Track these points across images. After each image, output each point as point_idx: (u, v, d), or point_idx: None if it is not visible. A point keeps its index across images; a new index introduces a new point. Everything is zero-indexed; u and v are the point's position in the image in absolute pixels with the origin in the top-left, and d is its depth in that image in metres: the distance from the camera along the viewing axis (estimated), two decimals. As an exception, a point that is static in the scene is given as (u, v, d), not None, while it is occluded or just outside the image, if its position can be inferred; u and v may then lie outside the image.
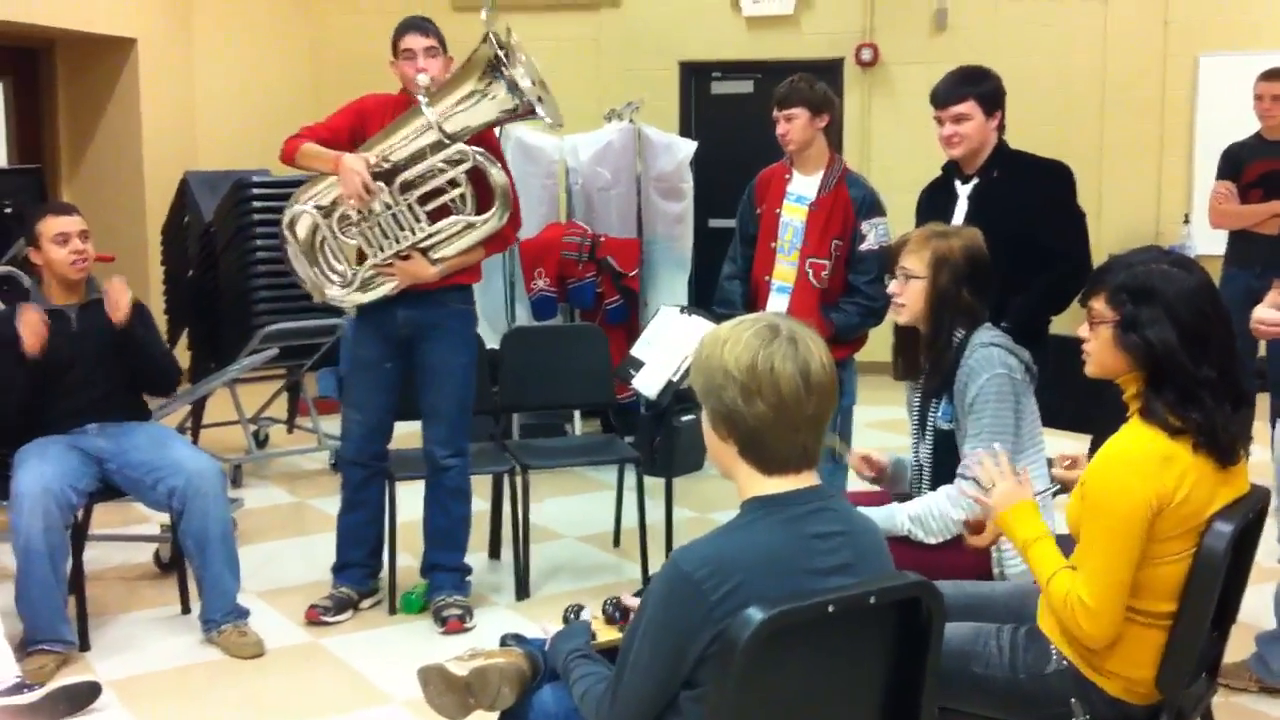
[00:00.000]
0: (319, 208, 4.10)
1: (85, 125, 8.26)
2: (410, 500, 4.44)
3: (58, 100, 8.29)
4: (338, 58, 9.02)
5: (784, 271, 4.38)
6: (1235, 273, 5.82)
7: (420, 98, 3.96)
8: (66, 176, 8.32)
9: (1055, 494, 3.04)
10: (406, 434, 4.53)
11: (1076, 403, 3.51)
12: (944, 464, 3.15)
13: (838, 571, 1.97)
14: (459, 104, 3.93)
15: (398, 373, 4.26)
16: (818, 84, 4.38)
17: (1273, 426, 3.90)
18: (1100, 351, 2.46)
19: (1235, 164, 6.02)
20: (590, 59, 8.96)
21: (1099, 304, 2.45)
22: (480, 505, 4.54)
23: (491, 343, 5.23)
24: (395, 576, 4.41)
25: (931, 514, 3.07)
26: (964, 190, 3.89)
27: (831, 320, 4.27)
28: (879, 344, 4.02)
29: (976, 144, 3.83)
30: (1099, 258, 2.73)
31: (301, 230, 4.15)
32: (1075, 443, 3.66)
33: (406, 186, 4.03)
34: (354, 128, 4.12)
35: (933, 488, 3.17)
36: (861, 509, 2.30)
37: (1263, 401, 3.45)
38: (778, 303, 4.35)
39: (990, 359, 3.06)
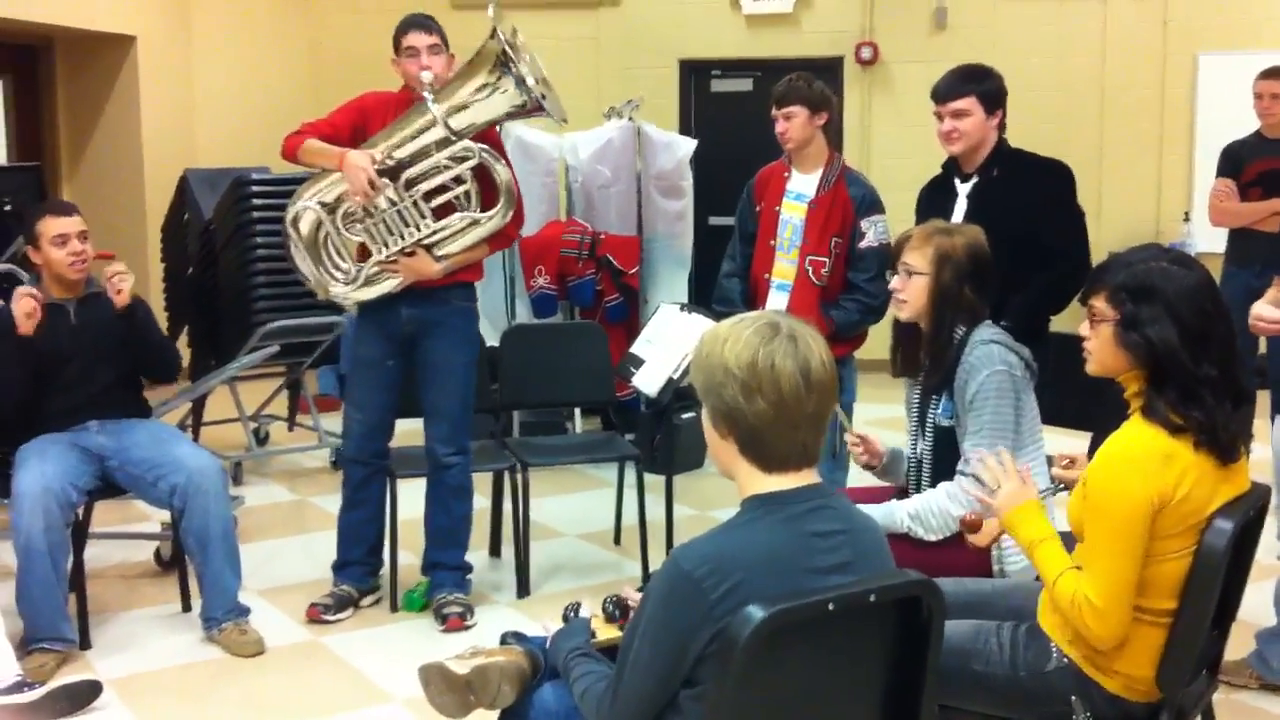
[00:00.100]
0: (322, 204, 4.10)
1: (85, 123, 8.26)
2: (411, 498, 4.44)
3: (57, 98, 8.28)
4: (337, 55, 9.02)
5: (783, 269, 4.38)
6: (1235, 270, 5.83)
7: (426, 94, 3.96)
8: (66, 174, 8.32)
9: (1055, 493, 3.04)
10: (407, 431, 4.52)
11: (1077, 400, 3.52)
12: (943, 461, 3.15)
13: (838, 570, 1.97)
14: (468, 99, 3.92)
15: (399, 371, 4.26)
16: (816, 82, 4.38)
17: (1273, 423, 3.90)
18: (1101, 350, 2.46)
19: (1235, 162, 6.02)
20: (590, 57, 8.96)
21: (1099, 302, 2.45)
22: (481, 503, 4.54)
23: (492, 340, 5.23)
24: (397, 574, 4.41)
25: (931, 511, 3.07)
26: (963, 189, 3.89)
27: (831, 318, 4.27)
28: (879, 341, 4.02)
29: (975, 141, 3.83)
30: (1099, 256, 2.73)
31: (305, 227, 4.14)
32: (1075, 440, 3.66)
33: (411, 183, 4.03)
34: (355, 125, 4.12)
35: (932, 484, 3.17)
36: (861, 506, 2.30)
37: (1263, 399, 3.45)
38: (777, 300, 4.36)
39: (990, 356, 3.06)
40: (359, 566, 4.40)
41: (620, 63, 8.94)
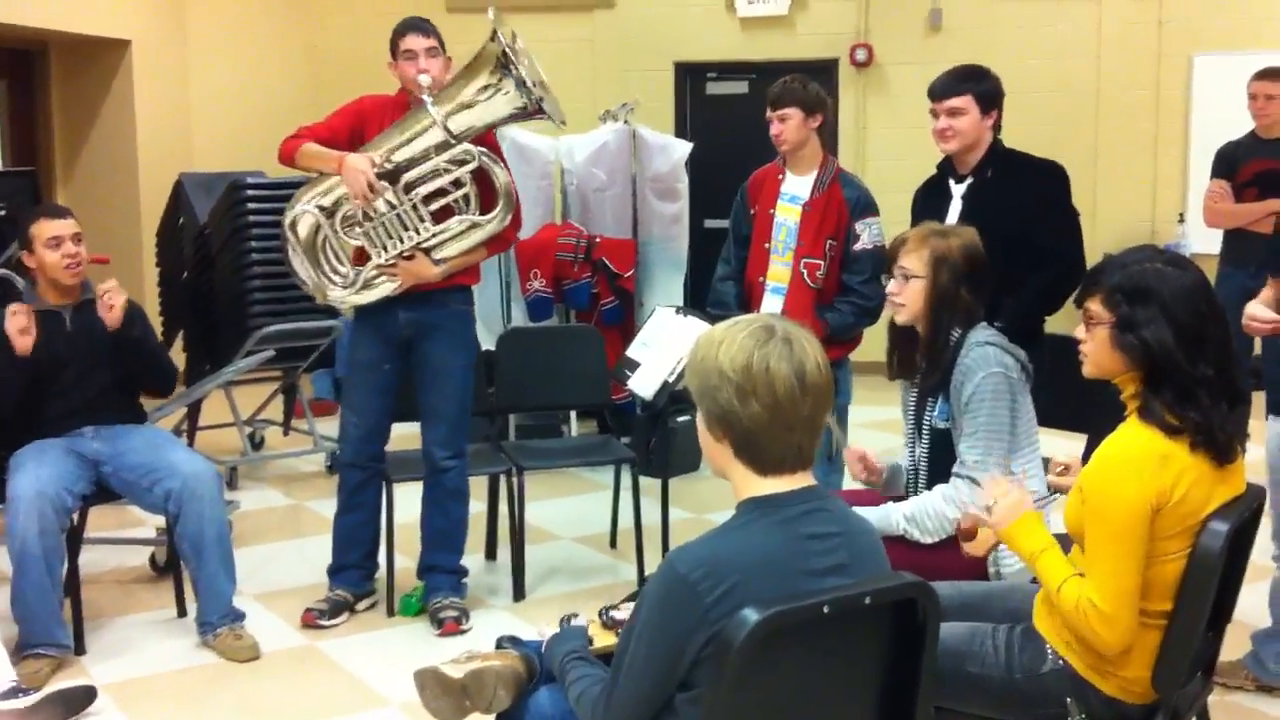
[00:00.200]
0: (321, 208, 4.10)
1: (80, 127, 8.25)
2: (407, 502, 4.44)
3: (52, 102, 8.27)
4: (334, 59, 9.01)
5: (778, 272, 4.37)
6: (1230, 271, 5.84)
7: (425, 97, 3.95)
8: (61, 178, 8.31)
9: (1050, 501, 3.05)
10: (401, 435, 4.52)
11: (1073, 402, 3.51)
12: (940, 463, 3.15)
13: (833, 572, 1.97)
14: (471, 99, 3.92)
15: (396, 374, 4.25)
16: (811, 84, 4.38)
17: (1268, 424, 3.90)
18: (1097, 352, 2.46)
19: (1230, 163, 6.03)
20: (585, 60, 8.95)
21: (1095, 305, 2.45)
22: (476, 506, 4.54)
23: (487, 344, 5.23)
24: (393, 579, 4.40)
25: (927, 513, 3.07)
26: (958, 190, 3.89)
27: (826, 320, 4.27)
28: (874, 344, 4.02)
29: (970, 140, 3.83)
30: (1094, 257, 2.73)
31: (303, 231, 4.14)
32: (1071, 442, 3.66)
33: (410, 186, 4.02)
34: (353, 128, 4.11)
35: (928, 487, 3.17)
36: (857, 509, 2.30)
37: (1258, 400, 3.45)
38: (772, 303, 4.35)
39: (986, 358, 3.06)
40: (355, 571, 4.39)
41: (615, 65, 8.94)
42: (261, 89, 8.79)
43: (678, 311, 4.54)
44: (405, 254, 4.06)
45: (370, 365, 4.24)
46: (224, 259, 6.14)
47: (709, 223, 8.10)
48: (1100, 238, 7.18)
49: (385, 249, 4.06)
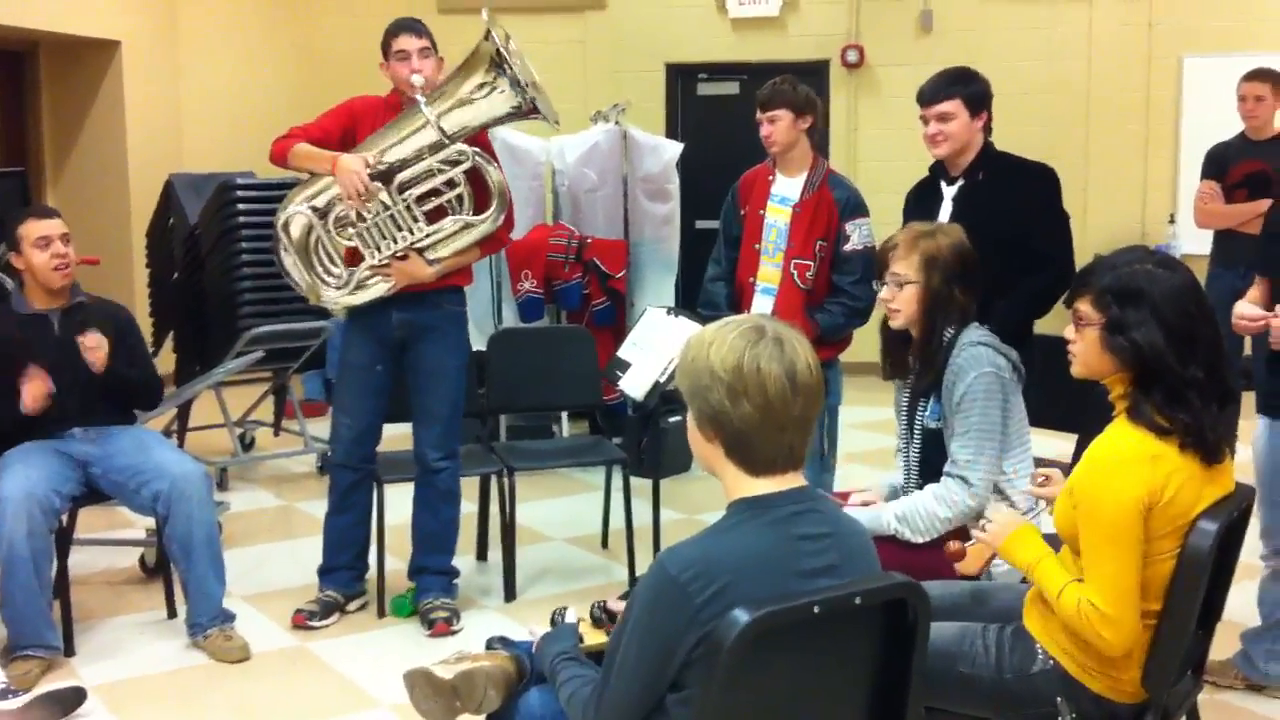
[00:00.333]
0: (314, 209, 4.09)
1: (69, 128, 8.23)
2: (397, 503, 4.43)
3: (41, 103, 8.25)
4: (324, 60, 9.00)
5: (768, 273, 4.37)
6: (1221, 272, 5.85)
7: (419, 97, 3.94)
8: (51, 179, 8.29)
9: (1038, 513, 3.06)
10: (391, 436, 4.51)
11: (1063, 402, 3.52)
12: (932, 463, 3.15)
13: (824, 573, 1.97)
14: (464, 99, 3.91)
15: (388, 376, 4.24)
16: (801, 85, 4.38)
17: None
18: (1087, 353, 2.46)
19: (1220, 164, 6.04)
20: (576, 61, 8.95)
21: (1085, 305, 2.45)
22: (467, 507, 4.53)
23: (478, 344, 5.22)
24: (384, 580, 4.40)
25: (919, 513, 3.07)
26: (949, 191, 3.89)
27: (816, 321, 4.27)
28: (865, 345, 4.03)
29: (960, 144, 3.83)
30: (1085, 258, 2.73)
31: (295, 231, 4.13)
32: (1061, 442, 3.68)
33: (404, 187, 4.02)
34: (345, 129, 4.10)
35: (920, 486, 3.17)
36: (848, 509, 2.31)
37: (1248, 399, 3.46)
38: (762, 304, 4.35)
39: (979, 358, 3.06)
40: (345, 572, 4.38)
41: (607, 66, 8.95)
42: (252, 90, 8.78)
43: (669, 312, 4.54)
44: (399, 254, 4.05)
45: (363, 367, 4.23)
46: (214, 260, 6.13)
47: (700, 223, 8.09)
48: (1091, 239, 7.17)
49: (379, 249, 4.06)
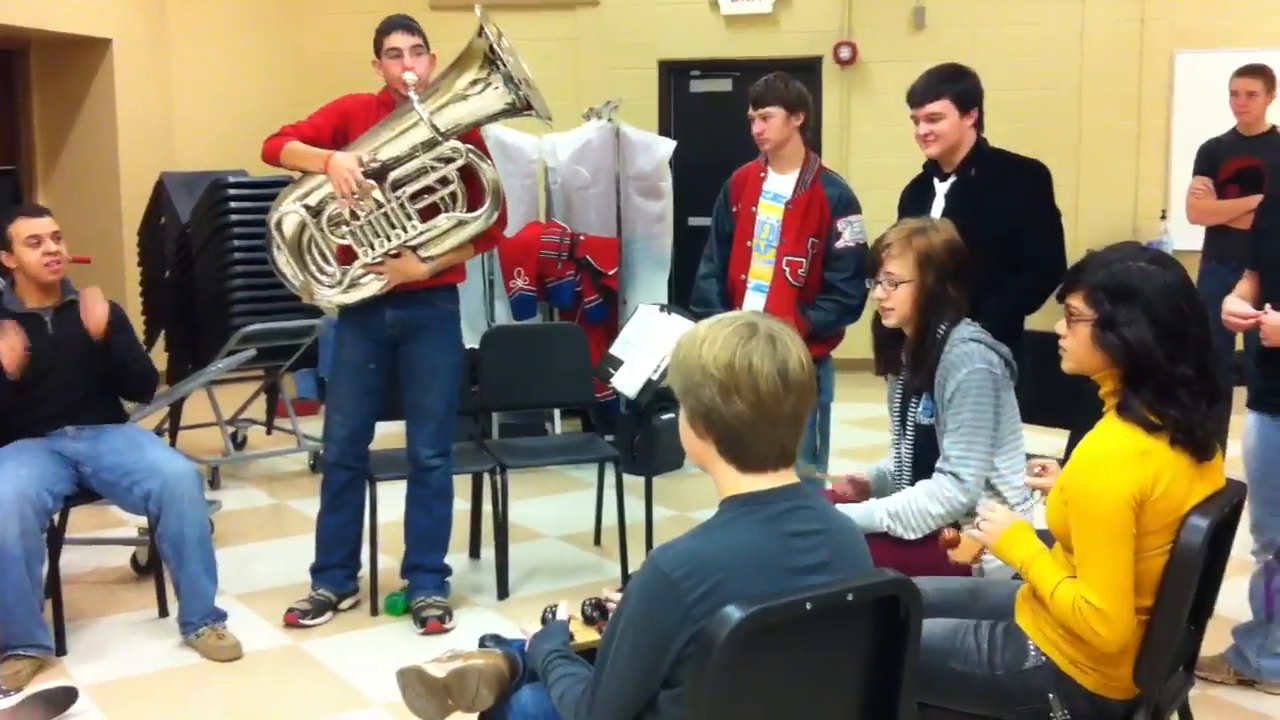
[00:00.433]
0: (307, 207, 4.08)
1: (60, 126, 8.21)
2: (390, 501, 4.42)
3: (32, 101, 8.23)
4: (316, 57, 8.99)
5: (760, 270, 4.37)
6: (1213, 268, 5.86)
7: (412, 95, 3.94)
8: (42, 178, 8.27)
9: (1031, 504, 3.06)
10: (384, 434, 4.51)
11: (1054, 399, 3.52)
12: (924, 459, 3.15)
13: (816, 570, 1.97)
14: (459, 94, 3.90)
15: (381, 374, 4.24)
16: (793, 83, 4.38)
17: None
18: (1078, 349, 2.46)
19: (1212, 160, 6.05)
20: (569, 58, 8.95)
21: (1077, 302, 2.45)
22: (460, 505, 4.53)
23: (471, 342, 5.22)
24: (377, 578, 4.39)
25: (911, 510, 3.07)
26: (941, 188, 3.90)
27: (809, 318, 4.27)
28: (857, 341, 4.03)
29: (951, 142, 3.83)
30: (1077, 254, 2.73)
31: (288, 230, 4.12)
32: (1052, 438, 3.68)
33: (397, 184, 4.01)
34: (337, 127, 4.09)
35: (912, 482, 3.17)
36: (840, 506, 2.31)
37: (1241, 395, 3.47)
38: (754, 301, 4.35)
39: (971, 354, 3.06)
40: (338, 570, 4.38)
41: (599, 64, 8.94)
42: (244, 87, 8.76)
43: (661, 309, 4.53)
44: (392, 252, 4.05)
45: (356, 365, 4.22)
46: (206, 258, 6.12)
47: (693, 220, 8.10)
48: (1083, 234, 7.21)
49: (372, 247, 4.05)
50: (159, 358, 6.29)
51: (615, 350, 4.55)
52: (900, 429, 3.26)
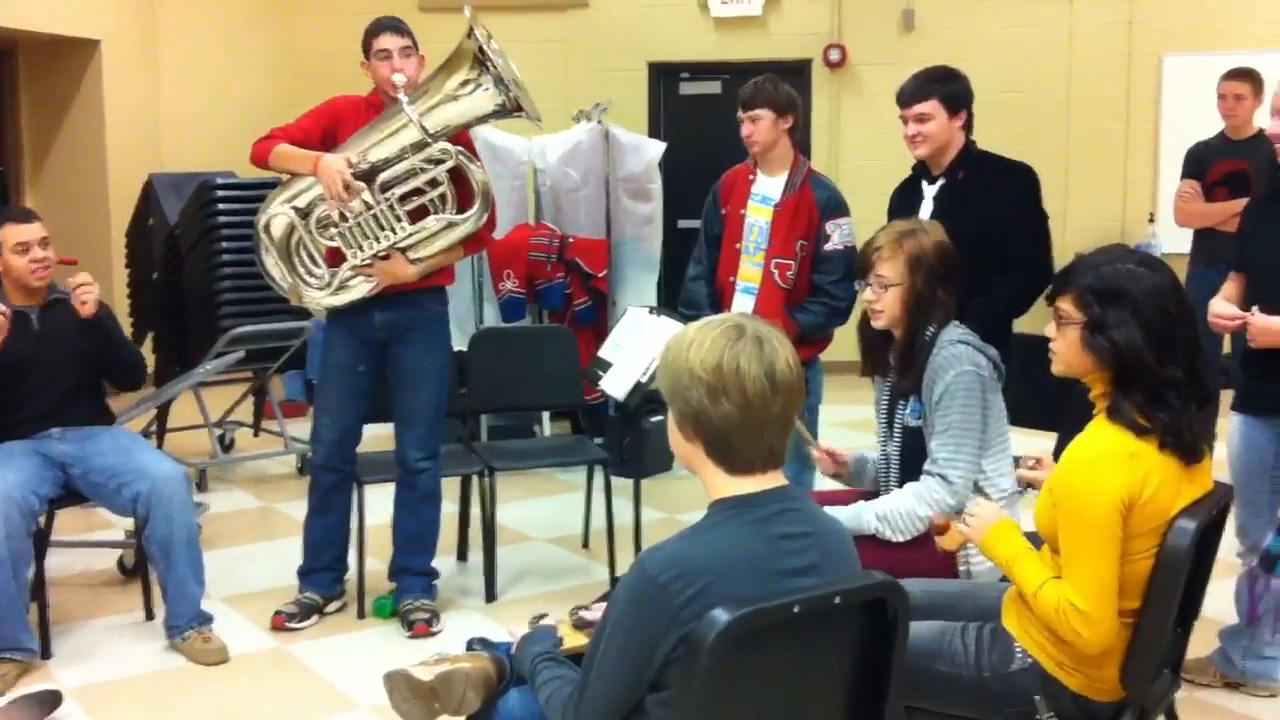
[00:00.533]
0: (296, 209, 4.07)
1: (49, 127, 8.19)
2: (377, 504, 4.41)
3: (20, 102, 8.21)
4: (305, 59, 8.97)
5: (749, 272, 4.37)
6: (1201, 270, 5.86)
7: (401, 96, 3.93)
8: (30, 179, 8.24)
9: (1021, 495, 3.05)
10: (372, 437, 4.50)
11: (1042, 401, 3.52)
12: (912, 461, 3.15)
13: (805, 572, 1.97)
14: (448, 95, 3.89)
15: (370, 377, 4.23)
16: (782, 85, 4.38)
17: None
18: (1067, 351, 2.47)
19: (1200, 163, 6.06)
20: (558, 60, 8.95)
21: (1066, 304, 2.45)
22: (448, 508, 4.52)
23: (459, 344, 5.21)
24: (364, 581, 4.38)
25: (899, 512, 3.07)
26: (930, 190, 3.90)
27: (797, 320, 4.27)
28: (845, 344, 4.02)
29: (940, 144, 3.83)
30: (1065, 257, 2.73)
31: (277, 232, 4.11)
32: (1040, 441, 3.68)
33: (386, 186, 4.00)
34: (325, 129, 4.08)
35: (900, 485, 3.17)
36: (828, 508, 2.30)
37: (1229, 397, 3.47)
38: (743, 303, 4.35)
39: (959, 356, 3.06)
40: (325, 573, 4.37)
41: (589, 66, 8.94)
42: (232, 89, 8.74)
43: (650, 311, 4.53)
44: (381, 254, 4.04)
45: (345, 368, 4.21)
46: (194, 260, 6.11)
47: (682, 223, 8.09)
48: (1071, 237, 7.22)
49: (361, 249, 4.04)
50: (146, 360, 6.27)
51: (604, 353, 4.54)
52: (887, 431, 3.26)
